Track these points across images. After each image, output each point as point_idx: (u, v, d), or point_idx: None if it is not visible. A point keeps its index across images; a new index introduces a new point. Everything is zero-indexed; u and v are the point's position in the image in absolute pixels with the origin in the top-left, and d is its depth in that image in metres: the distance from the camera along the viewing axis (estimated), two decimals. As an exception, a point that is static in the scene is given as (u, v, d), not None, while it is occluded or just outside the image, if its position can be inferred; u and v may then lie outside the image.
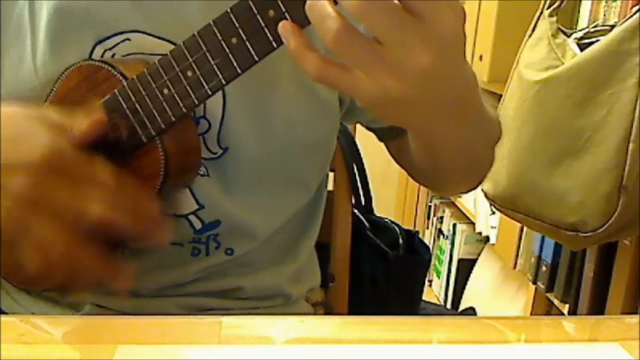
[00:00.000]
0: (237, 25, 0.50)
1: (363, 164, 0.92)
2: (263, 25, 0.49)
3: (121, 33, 0.60)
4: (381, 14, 0.42)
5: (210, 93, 0.54)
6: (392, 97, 0.44)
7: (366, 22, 0.42)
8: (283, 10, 0.48)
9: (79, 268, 0.53)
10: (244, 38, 0.50)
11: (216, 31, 0.51)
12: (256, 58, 0.51)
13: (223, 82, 0.53)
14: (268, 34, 0.49)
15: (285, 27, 0.46)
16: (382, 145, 0.79)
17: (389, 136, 0.76)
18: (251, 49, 0.50)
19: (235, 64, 0.52)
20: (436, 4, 0.42)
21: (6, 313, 0.70)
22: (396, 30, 0.42)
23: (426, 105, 0.47)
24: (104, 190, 0.52)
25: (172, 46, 0.55)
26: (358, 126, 0.88)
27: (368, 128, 0.77)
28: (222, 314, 0.53)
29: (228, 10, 0.50)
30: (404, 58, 0.43)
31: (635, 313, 1.10)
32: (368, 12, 0.42)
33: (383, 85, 0.44)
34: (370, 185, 0.92)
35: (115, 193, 0.52)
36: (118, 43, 0.61)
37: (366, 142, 0.96)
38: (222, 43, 0.51)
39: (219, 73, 0.52)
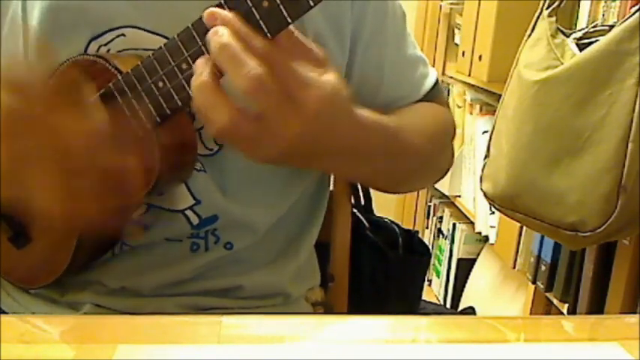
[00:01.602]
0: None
1: (362, 164, 0.92)
2: (257, 16, 0.49)
3: (116, 29, 0.61)
4: (263, 94, 0.48)
5: None
6: (279, 157, 0.52)
7: (253, 99, 0.48)
8: (277, 1, 0.48)
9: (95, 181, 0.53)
10: None
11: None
12: None
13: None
14: (262, 26, 0.49)
15: (211, 14, 0.50)
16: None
17: None
18: None
19: None
20: (303, 85, 0.49)
21: (6, 313, 0.71)
22: (272, 106, 0.49)
23: (315, 157, 0.55)
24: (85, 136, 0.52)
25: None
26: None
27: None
28: (222, 313, 0.53)
29: (222, 2, 0.50)
30: (281, 128, 0.50)
31: (635, 312, 1.10)
32: (254, 92, 0.48)
33: (269, 150, 0.52)
34: (370, 185, 0.92)
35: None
36: (113, 39, 0.61)
37: (366, 141, 0.96)
38: None
39: None
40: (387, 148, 0.62)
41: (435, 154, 0.74)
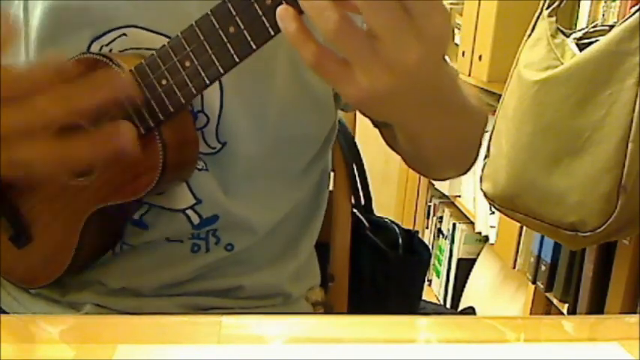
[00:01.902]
0: (234, 13, 0.50)
1: (362, 164, 0.92)
2: (260, 13, 0.49)
3: (117, 28, 0.61)
4: (381, 10, 0.43)
5: (208, 82, 0.54)
6: (381, 91, 0.46)
7: (367, 16, 0.44)
8: None
9: (77, 151, 0.51)
10: (242, 27, 0.50)
11: (213, 20, 0.51)
12: (254, 47, 0.51)
13: (221, 71, 0.53)
14: (266, 22, 0.50)
15: (284, 12, 0.46)
16: (382, 145, 0.79)
17: (382, 123, 0.76)
18: (249, 37, 0.51)
19: (233, 52, 0.52)
20: (429, 4, 0.44)
21: (6, 313, 0.71)
22: (393, 26, 0.44)
23: (410, 99, 0.49)
24: (51, 92, 0.50)
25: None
26: (358, 126, 0.88)
27: (364, 114, 0.77)
28: (222, 313, 0.53)
29: (226, 0, 0.50)
30: (397, 52, 0.45)
31: (635, 312, 1.10)
32: (370, 6, 0.43)
33: (374, 78, 0.45)
34: (370, 185, 0.92)
35: (62, 89, 0.50)
36: (115, 39, 0.61)
37: (366, 142, 0.96)
38: (220, 32, 0.51)
39: (217, 62, 0.53)
40: (458, 108, 0.60)
41: (475, 135, 0.72)
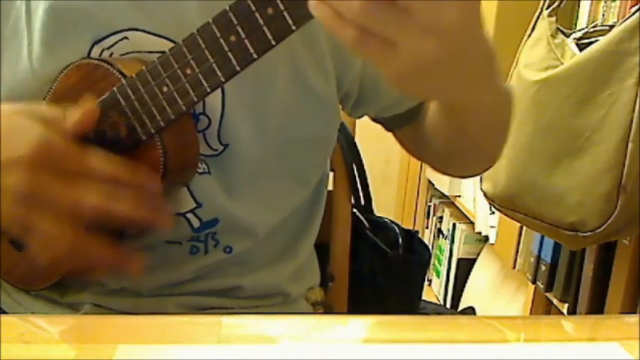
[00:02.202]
0: (235, 23, 0.50)
1: (362, 164, 0.92)
2: (262, 23, 0.49)
3: (119, 32, 0.61)
4: None
5: (209, 90, 0.54)
6: (427, 60, 0.45)
7: None
8: (282, 8, 0.48)
9: (87, 257, 0.54)
10: (243, 36, 0.50)
11: (215, 29, 0.51)
12: (255, 56, 0.51)
13: (222, 79, 0.53)
14: (267, 32, 0.49)
15: (315, 2, 0.45)
16: (382, 145, 0.79)
17: (398, 124, 0.75)
18: (250, 47, 0.51)
19: (234, 61, 0.52)
20: None
21: (6, 313, 0.71)
22: None
23: (457, 65, 0.48)
24: (99, 179, 0.52)
25: (170, 44, 0.55)
26: (358, 126, 0.88)
27: (376, 120, 0.76)
28: (222, 313, 0.53)
29: (227, 9, 0.50)
30: (434, 16, 0.43)
31: (635, 312, 1.10)
32: None
33: (418, 47, 0.44)
34: (370, 185, 0.92)
35: (112, 181, 0.52)
36: (116, 42, 0.61)
37: (366, 142, 0.96)
38: (221, 41, 0.51)
39: (218, 70, 0.53)
40: (498, 81, 0.59)
41: (508, 119, 0.69)
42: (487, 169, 0.76)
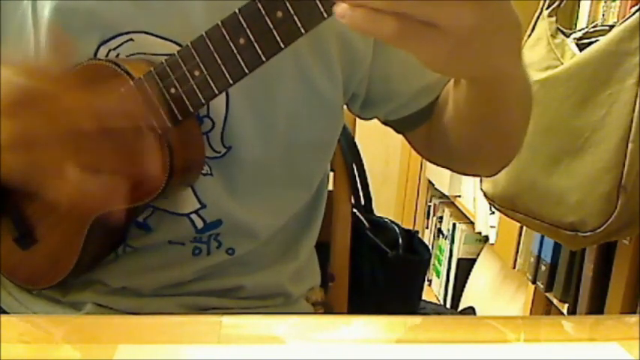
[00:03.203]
0: (245, 26, 0.50)
1: (362, 164, 0.92)
2: (271, 26, 0.49)
3: (125, 33, 0.61)
4: None
5: (217, 92, 0.54)
6: (467, 32, 0.45)
7: None
8: (291, 11, 0.48)
9: (94, 180, 0.52)
10: (252, 39, 0.51)
11: (224, 31, 0.51)
12: (263, 59, 0.51)
13: (230, 81, 0.53)
14: (276, 35, 0.50)
15: (342, 8, 0.43)
16: (382, 145, 0.79)
17: (409, 126, 0.74)
18: (259, 49, 0.51)
19: (242, 64, 0.52)
20: None
21: (7, 313, 0.71)
22: None
23: (492, 35, 0.47)
24: (80, 102, 0.51)
25: (176, 47, 0.55)
26: (358, 126, 0.88)
27: (385, 122, 0.75)
28: (223, 313, 0.53)
29: (237, 12, 0.50)
30: None
31: (635, 312, 1.10)
32: None
33: (458, 21, 0.44)
34: (370, 185, 0.92)
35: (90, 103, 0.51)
36: (122, 44, 0.61)
37: (366, 142, 0.96)
38: (230, 43, 0.51)
39: (226, 72, 0.53)
40: (522, 62, 0.59)
41: (529, 110, 0.69)
42: (505, 165, 0.75)
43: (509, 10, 0.49)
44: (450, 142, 0.69)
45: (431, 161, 0.78)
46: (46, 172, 0.51)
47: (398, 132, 0.76)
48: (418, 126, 0.73)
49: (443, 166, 0.78)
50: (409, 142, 0.77)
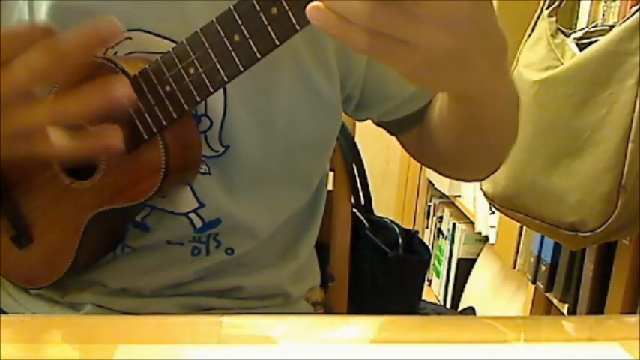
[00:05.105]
0: (240, 22, 0.50)
1: (362, 164, 0.92)
2: (266, 22, 0.49)
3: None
4: None
5: (212, 90, 0.54)
6: (442, 53, 0.44)
7: None
8: (286, 7, 0.48)
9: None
10: (247, 36, 0.50)
11: (219, 28, 0.51)
12: (259, 56, 0.51)
13: (225, 79, 0.53)
14: (271, 32, 0.49)
15: (314, 11, 0.43)
16: (382, 145, 0.79)
17: (402, 128, 0.74)
18: (253, 46, 0.51)
19: (238, 61, 0.52)
20: None
21: (6, 313, 0.71)
22: None
23: (471, 56, 0.47)
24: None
25: (173, 45, 0.55)
26: (358, 126, 0.87)
27: (379, 124, 0.75)
28: (223, 314, 0.53)
29: (232, 8, 0.50)
30: (445, 10, 0.43)
31: (635, 312, 1.10)
32: None
33: (432, 43, 0.44)
34: (370, 185, 0.92)
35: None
36: (120, 42, 0.61)
37: (366, 142, 0.96)
38: (225, 40, 0.51)
39: (221, 70, 0.53)
40: (510, 76, 0.58)
41: (516, 119, 0.68)
42: (494, 171, 0.75)
43: (491, 32, 0.48)
44: (438, 148, 0.70)
45: (422, 164, 0.79)
46: (36, 129, 0.50)
47: (391, 134, 0.76)
48: (410, 129, 0.73)
49: (433, 169, 0.79)
50: (401, 144, 0.78)
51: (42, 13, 0.61)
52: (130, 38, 0.61)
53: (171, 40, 0.59)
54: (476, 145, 0.67)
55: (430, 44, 0.44)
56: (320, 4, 0.43)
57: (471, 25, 0.44)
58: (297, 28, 0.48)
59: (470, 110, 0.60)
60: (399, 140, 0.77)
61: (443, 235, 2.14)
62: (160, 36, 0.60)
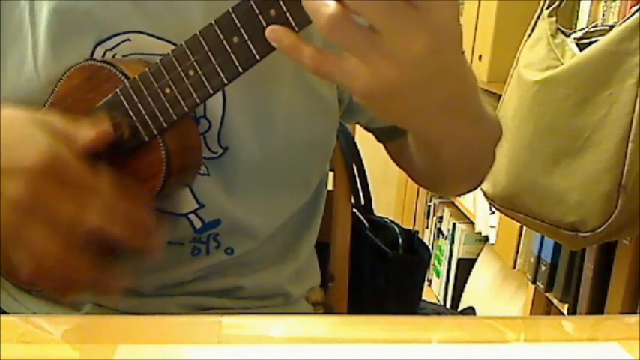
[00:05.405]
0: (238, 24, 0.50)
1: (362, 164, 0.92)
2: (264, 24, 0.49)
3: (122, 34, 0.61)
4: (377, 2, 0.42)
5: (211, 92, 0.54)
6: (388, 85, 0.45)
7: (362, 9, 0.43)
8: (284, 9, 0.48)
9: (71, 274, 0.53)
10: (246, 38, 0.50)
11: (217, 30, 0.51)
12: (257, 58, 0.51)
13: (225, 81, 0.53)
14: None
15: (273, 31, 0.47)
16: (382, 145, 0.79)
17: (388, 136, 0.76)
18: (252, 48, 0.51)
19: (237, 63, 0.52)
20: None
21: (7, 313, 0.71)
22: (392, 17, 0.43)
23: (423, 97, 0.48)
24: (101, 199, 0.52)
25: (173, 47, 0.55)
26: (358, 126, 0.88)
27: (367, 129, 0.77)
28: (223, 313, 0.53)
29: (230, 10, 0.50)
30: (399, 44, 0.43)
31: (635, 312, 1.10)
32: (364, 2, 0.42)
33: (378, 72, 0.44)
34: (370, 185, 0.92)
35: (112, 204, 0.52)
36: (119, 44, 0.61)
37: (366, 142, 0.96)
38: (224, 42, 0.51)
39: (220, 72, 0.53)
40: (477, 115, 0.57)
41: (491, 146, 0.68)
42: (473, 190, 0.77)
43: (450, 76, 0.48)
44: (414, 167, 0.72)
45: (406, 172, 0.80)
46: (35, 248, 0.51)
47: (378, 140, 0.78)
48: (396, 138, 0.75)
49: (413, 181, 0.80)
50: (387, 152, 0.79)
51: (43, 14, 0.61)
52: (130, 40, 0.61)
53: (171, 42, 0.59)
54: (442, 173, 0.69)
55: (379, 72, 0.44)
56: (277, 27, 0.47)
57: (424, 67, 0.45)
58: (296, 29, 0.49)
59: (427, 145, 0.61)
60: (385, 147, 0.79)
61: (443, 235, 2.14)
62: (159, 38, 0.60)
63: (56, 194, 0.51)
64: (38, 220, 0.51)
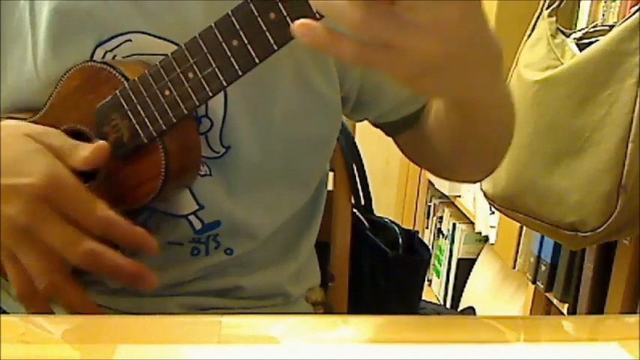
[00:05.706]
0: (238, 27, 0.50)
1: (362, 164, 0.92)
2: (264, 27, 0.49)
3: (123, 34, 0.61)
4: None
5: (211, 94, 0.54)
6: (433, 60, 0.44)
7: None
8: (284, 12, 0.48)
9: (61, 300, 0.55)
10: (245, 41, 0.50)
11: (217, 33, 0.51)
12: (257, 60, 0.51)
13: (224, 83, 0.53)
14: (269, 37, 0.49)
15: (304, 26, 0.43)
16: (382, 145, 0.79)
17: (397, 130, 0.75)
18: (252, 51, 0.51)
19: (236, 66, 0.52)
20: None
21: (6, 313, 0.71)
22: None
23: (463, 62, 0.47)
24: (96, 225, 0.52)
25: (174, 47, 0.55)
26: (358, 126, 0.88)
27: (375, 125, 0.76)
28: (222, 313, 0.53)
29: (230, 13, 0.50)
30: (433, 15, 0.43)
31: (635, 312, 1.10)
32: None
33: (422, 49, 0.44)
34: (370, 185, 0.92)
35: (106, 229, 0.53)
36: (120, 45, 0.61)
37: (366, 142, 0.96)
38: (223, 45, 0.51)
39: (220, 74, 0.53)
40: (505, 81, 0.58)
41: (513, 121, 0.68)
42: (489, 174, 0.76)
43: (482, 39, 0.48)
44: (434, 150, 0.71)
45: (417, 164, 0.80)
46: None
47: (387, 135, 0.77)
48: (406, 130, 0.74)
49: (428, 170, 0.80)
50: (397, 145, 0.79)
51: (43, 14, 0.61)
52: (130, 40, 0.61)
53: (171, 42, 0.59)
54: (471, 148, 0.68)
55: (418, 50, 0.44)
56: (307, 20, 0.43)
57: (459, 32, 0.44)
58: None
59: (464, 116, 0.61)
60: (394, 141, 0.78)
61: (443, 235, 2.14)
62: (160, 38, 0.60)
63: (53, 217, 0.51)
64: (32, 243, 0.51)
